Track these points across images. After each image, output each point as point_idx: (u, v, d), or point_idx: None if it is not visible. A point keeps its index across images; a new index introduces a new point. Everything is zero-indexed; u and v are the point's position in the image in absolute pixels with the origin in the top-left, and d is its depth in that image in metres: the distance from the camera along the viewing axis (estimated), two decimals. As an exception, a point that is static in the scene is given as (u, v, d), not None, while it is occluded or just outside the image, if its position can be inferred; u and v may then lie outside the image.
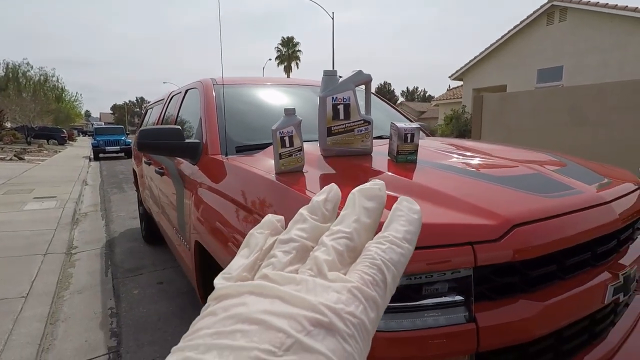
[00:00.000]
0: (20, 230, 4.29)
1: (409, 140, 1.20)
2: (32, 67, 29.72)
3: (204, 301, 0.23)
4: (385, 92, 49.70)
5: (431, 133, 2.69)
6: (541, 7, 11.88)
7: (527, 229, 0.87)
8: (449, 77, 15.37)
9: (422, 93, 59.36)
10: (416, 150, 1.23)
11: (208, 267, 1.56)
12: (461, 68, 14.63)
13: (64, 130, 26.98)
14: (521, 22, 12.45)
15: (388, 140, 1.32)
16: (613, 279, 1.04)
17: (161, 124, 3.05)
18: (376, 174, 1.18)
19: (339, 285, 0.19)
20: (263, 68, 36.42)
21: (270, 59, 41.20)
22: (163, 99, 3.44)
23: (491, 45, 13.41)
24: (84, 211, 5.66)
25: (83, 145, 25.09)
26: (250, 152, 1.67)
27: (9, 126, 23.20)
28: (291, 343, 0.16)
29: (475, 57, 14.01)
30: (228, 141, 1.72)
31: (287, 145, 1.15)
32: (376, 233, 0.23)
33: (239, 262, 0.23)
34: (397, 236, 0.22)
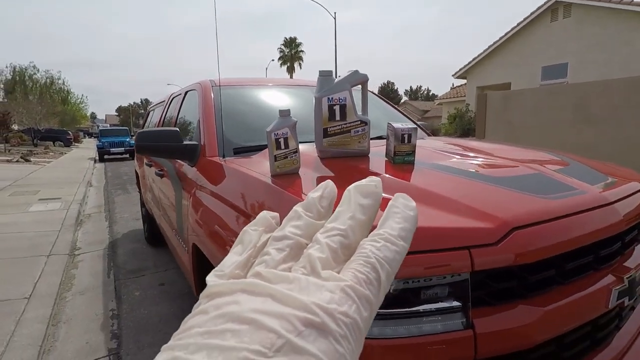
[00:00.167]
0: (25, 232, 4.31)
1: (406, 141, 1.18)
2: (38, 70, 30.02)
3: None
4: (389, 92, 49.58)
5: (434, 132, 2.66)
6: (545, 3, 11.76)
7: (526, 232, 0.85)
8: (453, 75, 15.27)
9: (425, 92, 59.12)
10: (414, 151, 1.20)
11: (205, 269, 1.54)
12: (465, 66, 14.53)
13: (69, 132, 27.22)
14: (525, 19, 12.34)
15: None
16: (617, 282, 1.01)
17: (162, 126, 3.05)
18: (372, 175, 1.16)
19: (332, 284, 0.19)
20: (266, 69, 36.50)
21: (273, 60, 41.27)
22: (164, 101, 3.44)
23: (495, 43, 13.30)
24: (88, 212, 5.69)
25: (89, 147, 25.28)
26: (248, 154, 1.65)
27: (16, 128, 23.43)
28: (282, 344, 0.16)
29: (478, 55, 13.91)
30: (225, 143, 1.71)
31: (282, 147, 1.13)
32: (372, 230, 0.23)
33: (232, 259, 0.23)
34: (392, 233, 0.22)
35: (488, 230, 0.82)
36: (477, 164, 1.24)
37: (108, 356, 2.11)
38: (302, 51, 44.14)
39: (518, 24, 12.53)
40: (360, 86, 1.34)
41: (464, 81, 15.89)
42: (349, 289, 0.19)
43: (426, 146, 1.53)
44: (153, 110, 4.12)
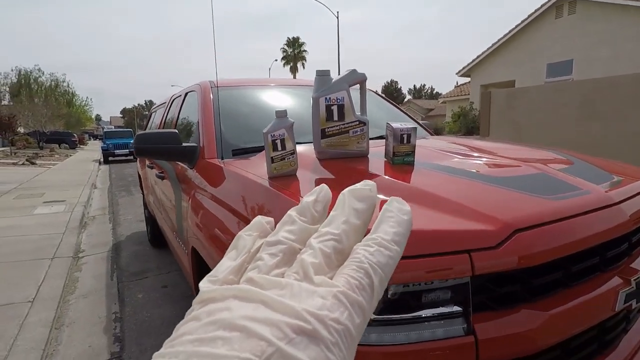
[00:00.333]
0: (29, 235, 4.33)
1: (405, 141, 1.15)
2: (43, 73, 30.33)
3: None
4: (392, 91, 49.44)
5: (438, 131, 2.62)
6: (549, 0, 11.65)
7: (529, 235, 0.82)
8: (456, 73, 15.20)
9: (429, 90, 58.89)
10: (413, 152, 1.18)
11: (205, 271, 1.53)
12: (468, 64, 14.45)
13: (75, 134, 27.43)
14: (529, 16, 12.24)
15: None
16: (624, 284, 0.98)
17: (163, 128, 3.05)
18: (371, 176, 1.14)
19: (324, 290, 0.19)
20: (269, 69, 36.55)
21: (276, 60, 41.33)
22: (166, 103, 3.44)
23: (499, 41, 13.21)
24: (92, 214, 5.72)
25: (94, 149, 25.46)
26: (247, 155, 1.64)
27: (22, 131, 23.67)
28: (272, 352, 0.16)
29: (482, 53, 13.83)
30: (224, 144, 1.69)
31: (279, 148, 1.11)
32: (366, 234, 0.23)
33: (226, 264, 0.22)
34: (385, 238, 0.21)
35: (489, 233, 0.79)
36: (478, 164, 1.22)
37: (110, 359, 2.10)
38: (305, 51, 44.15)
39: (522, 21, 12.44)
40: (358, 86, 1.32)
41: (468, 79, 15.81)
42: (341, 295, 0.18)
43: (427, 146, 1.50)
44: (155, 112, 4.13)
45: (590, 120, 5.16)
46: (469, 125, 12.53)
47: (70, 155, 18.38)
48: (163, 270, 3.35)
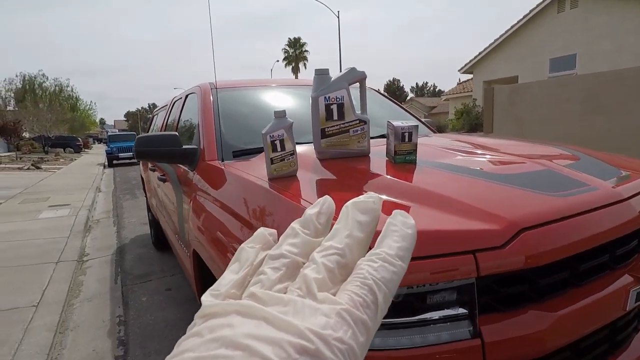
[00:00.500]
0: (34, 239, 4.35)
1: (406, 140, 1.13)
2: (47, 78, 30.54)
3: None
4: (395, 89, 49.32)
5: (441, 129, 2.60)
6: (551, -6, 11.56)
7: (535, 233, 0.80)
8: (459, 70, 15.12)
9: (431, 88, 58.68)
10: (415, 150, 1.15)
11: (207, 274, 1.52)
12: (470, 61, 14.37)
13: (79, 138, 27.60)
14: (531, 11, 12.14)
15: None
16: (635, 282, 0.95)
17: (164, 130, 3.04)
18: (373, 176, 1.12)
19: (327, 308, 0.18)
20: (271, 70, 36.54)
21: (278, 61, 41.34)
22: (167, 105, 3.44)
23: (501, 37, 13.12)
24: (97, 218, 5.73)
25: (98, 153, 25.59)
26: (248, 157, 1.62)
27: (27, 136, 23.84)
28: None
29: (484, 49, 13.74)
30: (224, 146, 1.68)
31: (279, 149, 1.10)
32: (370, 246, 0.23)
33: (228, 277, 0.22)
34: (389, 253, 0.21)
35: (494, 233, 0.77)
36: (482, 162, 1.19)
37: (114, 363, 2.10)
38: (306, 51, 44.13)
39: (524, 17, 12.34)
40: (358, 84, 1.30)
41: (470, 76, 15.72)
42: (345, 313, 0.18)
43: (430, 144, 1.48)
44: (157, 114, 4.13)
45: (594, 115, 5.11)
46: (472, 122, 12.46)
47: (75, 159, 18.50)
48: (167, 273, 3.35)
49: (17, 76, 28.83)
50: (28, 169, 12.69)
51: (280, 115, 1.11)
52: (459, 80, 22.44)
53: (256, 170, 1.32)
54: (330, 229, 0.23)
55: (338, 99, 1.19)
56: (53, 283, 3.11)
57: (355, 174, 1.16)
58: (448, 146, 1.45)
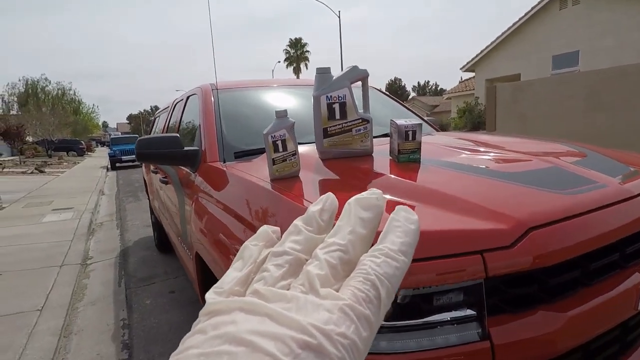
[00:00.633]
0: (38, 243, 4.36)
1: (410, 138, 1.11)
2: (50, 82, 30.68)
3: None
4: (396, 89, 49.26)
5: (443, 127, 2.57)
6: (553, -9, 11.50)
7: (544, 232, 0.78)
8: (461, 69, 15.06)
9: (433, 87, 58.55)
10: (419, 149, 1.14)
11: (209, 276, 1.50)
12: (472, 59, 14.31)
13: (82, 141, 27.70)
14: (532, 9, 12.08)
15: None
16: (646, 281, 0.93)
17: (166, 132, 3.03)
18: (376, 176, 1.10)
19: (330, 303, 0.18)
20: (272, 71, 36.59)
21: (279, 61, 41.36)
22: (169, 107, 3.43)
23: (502, 34, 13.06)
24: (100, 221, 5.74)
25: (101, 156, 25.67)
26: (250, 158, 1.61)
27: (30, 140, 23.96)
28: None
29: (486, 47, 13.68)
30: (226, 147, 1.66)
31: (280, 149, 1.08)
32: (373, 243, 0.22)
33: (232, 275, 0.22)
34: (392, 248, 0.21)
35: (502, 232, 0.75)
36: (488, 160, 1.17)
37: (118, 367, 2.09)
38: (307, 51, 44.12)
39: (526, 14, 12.28)
40: (360, 83, 1.28)
41: (472, 74, 15.66)
42: (347, 309, 0.18)
43: (433, 142, 1.46)
44: (158, 117, 4.13)
45: (597, 111, 5.07)
46: (474, 120, 12.41)
47: (78, 163, 18.56)
48: (170, 276, 3.34)
49: (20, 80, 29.06)
50: (31, 172, 12.74)
51: (282, 115, 1.10)
52: (461, 78, 22.38)
53: (258, 171, 1.30)
54: (333, 227, 0.23)
55: (340, 98, 1.18)
56: (57, 287, 3.11)
57: (359, 174, 1.15)
58: (452, 144, 1.43)
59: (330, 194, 0.25)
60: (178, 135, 1.79)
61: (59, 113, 25.71)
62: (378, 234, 0.23)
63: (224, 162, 1.60)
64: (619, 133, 4.75)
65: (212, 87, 2.08)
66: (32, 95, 28.93)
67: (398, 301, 0.71)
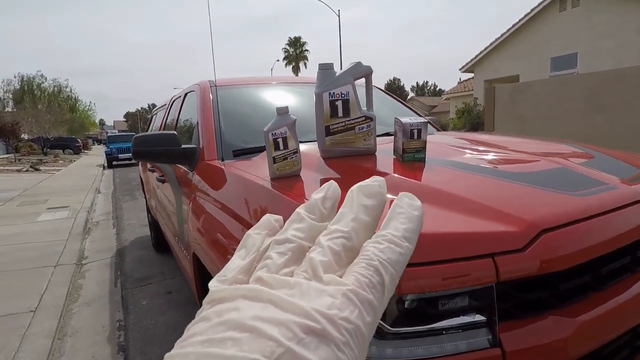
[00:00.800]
0: (32, 242, 4.30)
1: (415, 137, 1.08)
2: (46, 79, 30.45)
3: None
4: (395, 89, 49.32)
5: (442, 128, 2.55)
6: (552, -8, 11.51)
7: (556, 235, 0.75)
8: (460, 69, 15.08)
9: (432, 87, 58.65)
10: (424, 148, 1.11)
11: (206, 275, 1.47)
12: (471, 60, 14.32)
13: (78, 139, 27.54)
14: (532, 10, 12.09)
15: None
16: (658, 285, 0.91)
17: (163, 129, 2.99)
18: (380, 175, 1.07)
19: (333, 289, 0.18)
20: (271, 69, 36.53)
21: (278, 60, 41.29)
22: (166, 104, 3.39)
23: (502, 35, 13.07)
24: (96, 220, 5.68)
25: (98, 154, 25.55)
26: (249, 156, 1.57)
27: (25, 138, 23.79)
28: (282, 352, 0.16)
29: (485, 48, 13.69)
30: (225, 145, 1.63)
31: (281, 147, 1.05)
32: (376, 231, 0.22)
33: (235, 263, 0.22)
34: (396, 234, 0.21)
35: (513, 235, 0.72)
36: (494, 159, 1.14)
37: (113, 369, 2.05)
38: (307, 50, 44.06)
39: (525, 15, 12.30)
40: (364, 79, 1.25)
41: (471, 75, 15.68)
42: (350, 294, 0.18)
43: (437, 141, 1.43)
44: (156, 114, 4.08)
45: (596, 113, 5.08)
46: (473, 121, 12.41)
47: (74, 161, 18.44)
48: (167, 276, 3.30)
49: (15, 77, 28.77)
50: (27, 170, 12.63)
51: (283, 111, 1.06)
52: (460, 79, 22.42)
53: (258, 170, 1.27)
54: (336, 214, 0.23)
55: (343, 95, 1.14)
56: (51, 287, 3.06)
57: (362, 173, 1.11)
58: (457, 144, 1.41)
59: (332, 182, 0.25)
60: (175, 132, 1.75)
61: (55, 110, 25.49)
62: (381, 221, 0.23)
63: (223, 160, 1.57)
64: (618, 135, 4.75)
65: (210, 84, 2.04)
66: (27, 92, 28.67)
67: (406, 306, 0.68)
